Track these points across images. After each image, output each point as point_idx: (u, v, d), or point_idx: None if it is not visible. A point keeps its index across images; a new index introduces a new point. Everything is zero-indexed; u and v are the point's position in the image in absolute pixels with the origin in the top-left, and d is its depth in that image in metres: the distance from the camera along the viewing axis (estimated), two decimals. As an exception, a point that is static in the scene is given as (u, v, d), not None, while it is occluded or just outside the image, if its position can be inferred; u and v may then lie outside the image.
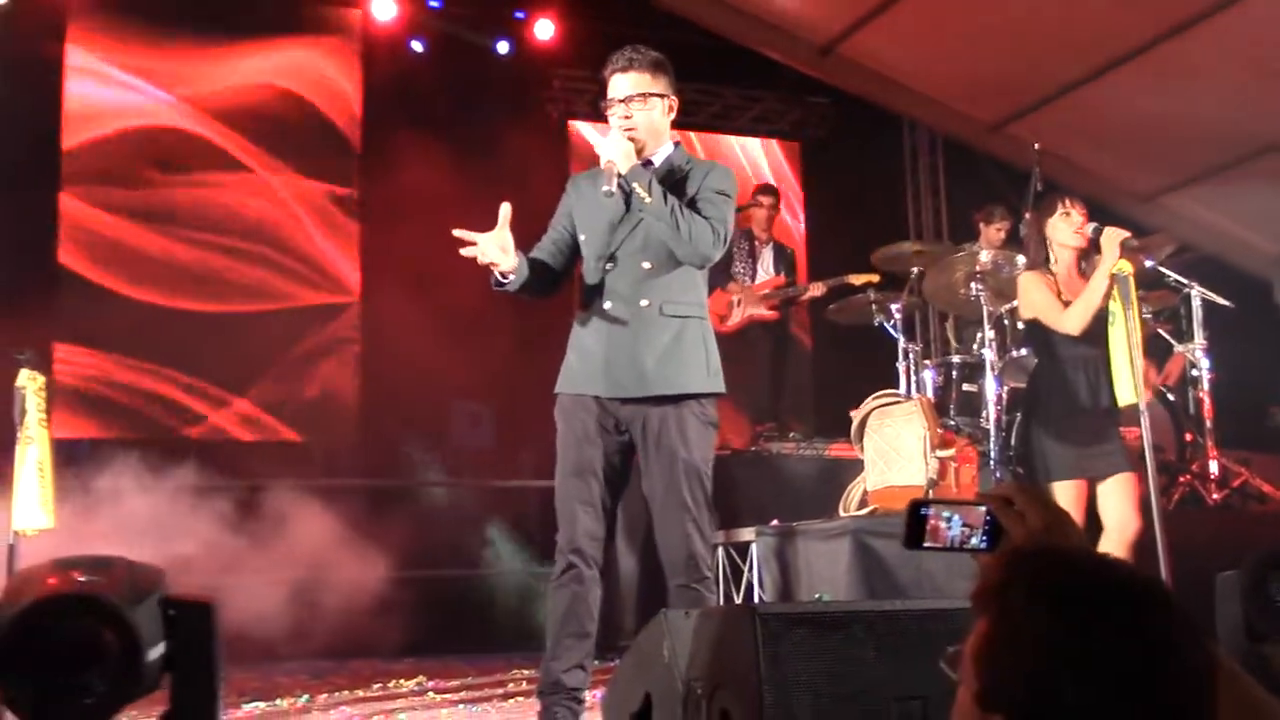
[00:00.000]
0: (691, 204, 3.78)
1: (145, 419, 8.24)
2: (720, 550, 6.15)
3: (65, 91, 8.47)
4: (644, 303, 3.78)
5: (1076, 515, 4.59)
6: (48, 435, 4.80)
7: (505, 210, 3.75)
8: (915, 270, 6.91)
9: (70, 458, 6.25)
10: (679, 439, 3.73)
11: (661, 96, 3.88)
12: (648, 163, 3.86)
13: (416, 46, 9.39)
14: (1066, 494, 4.69)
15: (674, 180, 3.84)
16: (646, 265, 3.79)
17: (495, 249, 3.72)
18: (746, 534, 6.14)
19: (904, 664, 2.79)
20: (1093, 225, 4.78)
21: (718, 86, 10.16)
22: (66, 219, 8.33)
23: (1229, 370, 6.34)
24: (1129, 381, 4.46)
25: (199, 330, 8.44)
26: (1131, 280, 4.52)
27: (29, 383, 4.81)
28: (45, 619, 1.63)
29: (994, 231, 7.73)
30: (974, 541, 1.71)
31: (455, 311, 7.78)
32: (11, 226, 7.68)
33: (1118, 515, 4.72)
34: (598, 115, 10.04)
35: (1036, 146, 5.81)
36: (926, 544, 1.72)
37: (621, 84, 3.87)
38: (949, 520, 1.72)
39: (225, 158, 8.79)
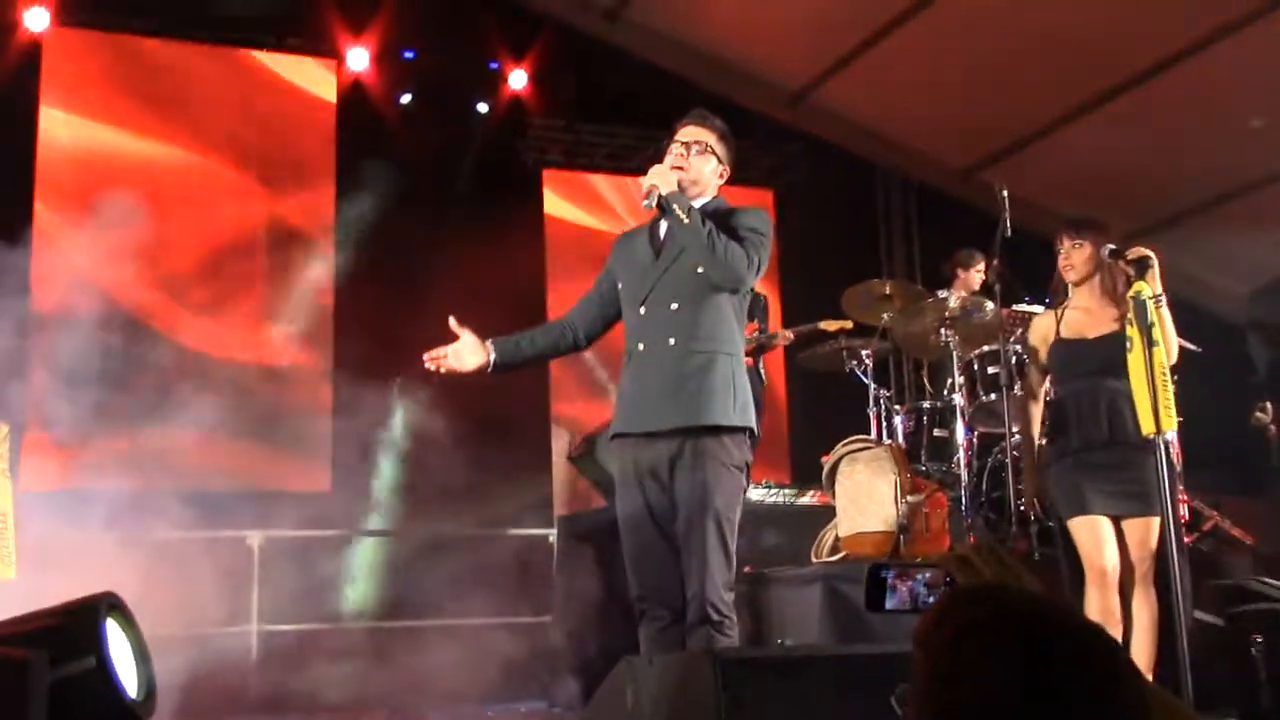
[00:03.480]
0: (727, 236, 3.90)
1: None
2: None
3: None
4: (671, 340, 3.87)
5: (1103, 548, 4.48)
6: (10, 485, 4.77)
7: (453, 324, 4.04)
8: (886, 316, 6.94)
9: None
10: (701, 482, 3.76)
11: (719, 159, 4.09)
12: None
13: (404, 99, 9.46)
14: (1085, 532, 4.53)
15: (711, 217, 3.95)
16: (674, 306, 3.89)
17: (464, 355, 4.01)
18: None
19: (867, 708, 2.78)
20: (1109, 247, 4.54)
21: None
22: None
23: (1197, 413, 6.36)
24: (1149, 411, 4.15)
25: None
26: (1150, 304, 4.17)
27: (-6, 432, 4.78)
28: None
29: (973, 274, 7.72)
30: (933, 601, 1.73)
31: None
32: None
33: (1132, 557, 4.50)
34: (571, 163, 10.20)
35: (1004, 192, 5.80)
36: (888, 606, 1.74)
37: (688, 131, 4.09)
38: (909, 582, 1.74)
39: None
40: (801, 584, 5.59)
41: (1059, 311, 4.81)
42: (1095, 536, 4.52)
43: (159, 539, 6.35)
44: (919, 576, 1.75)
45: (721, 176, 4.11)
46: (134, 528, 6.08)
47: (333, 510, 8.46)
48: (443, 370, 4.04)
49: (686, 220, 3.81)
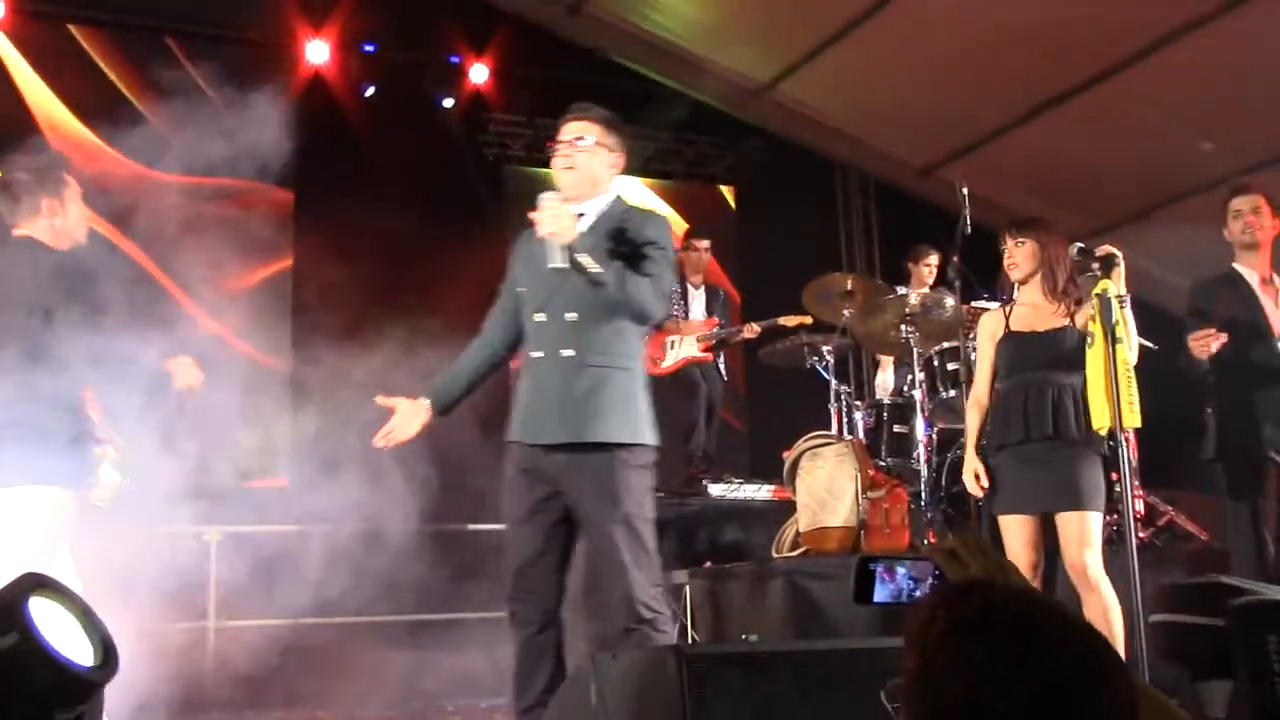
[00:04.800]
0: (630, 257, 3.79)
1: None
2: (654, 592, 6.12)
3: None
4: (567, 353, 3.80)
5: (1024, 550, 4.51)
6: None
7: (381, 401, 4.05)
8: (847, 313, 6.97)
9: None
10: (605, 487, 3.71)
11: (608, 150, 3.94)
12: (580, 215, 3.86)
13: (367, 93, 9.40)
14: (1010, 529, 4.57)
15: (610, 231, 3.85)
16: (572, 317, 3.81)
17: (405, 425, 4.00)
18: (679, 576, 6.12)
19: (832, 703, 2.79)
20: (1077, 246, 4.51)
21: (652, 131, 10.24)
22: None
23: (1151, 409, 6.42)
24: (1104, 407, 4.18)
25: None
26: (1115, 301, 4.17)
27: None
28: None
29: (923, 269, 7.82)
30: (920, 594, 1.73)
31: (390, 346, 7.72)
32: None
33: (1067, 556, 4.49)
34: (532, 159, 10.18)
35: (964, 189, 5.83)
36: (876, 598, 1.74)
37: (570, 128, 3.94)
38: (897, 574, 1.74)
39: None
40: (763, 579, 5.62)
41: (1006, 308, 4.84)
42: (1019, 536, 4.55)
43: (114, 533, 6.29)
44: (906, 569, 1.75)
45: (614, 167, 3.98)
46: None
47: (291, 505, 8.40)
48: (393, 445, 4.02)
49: (596, 271, 3.67)
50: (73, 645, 2.57)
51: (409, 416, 3.99)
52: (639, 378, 3.88)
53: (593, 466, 3.72)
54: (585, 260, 3.68)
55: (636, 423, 3.80)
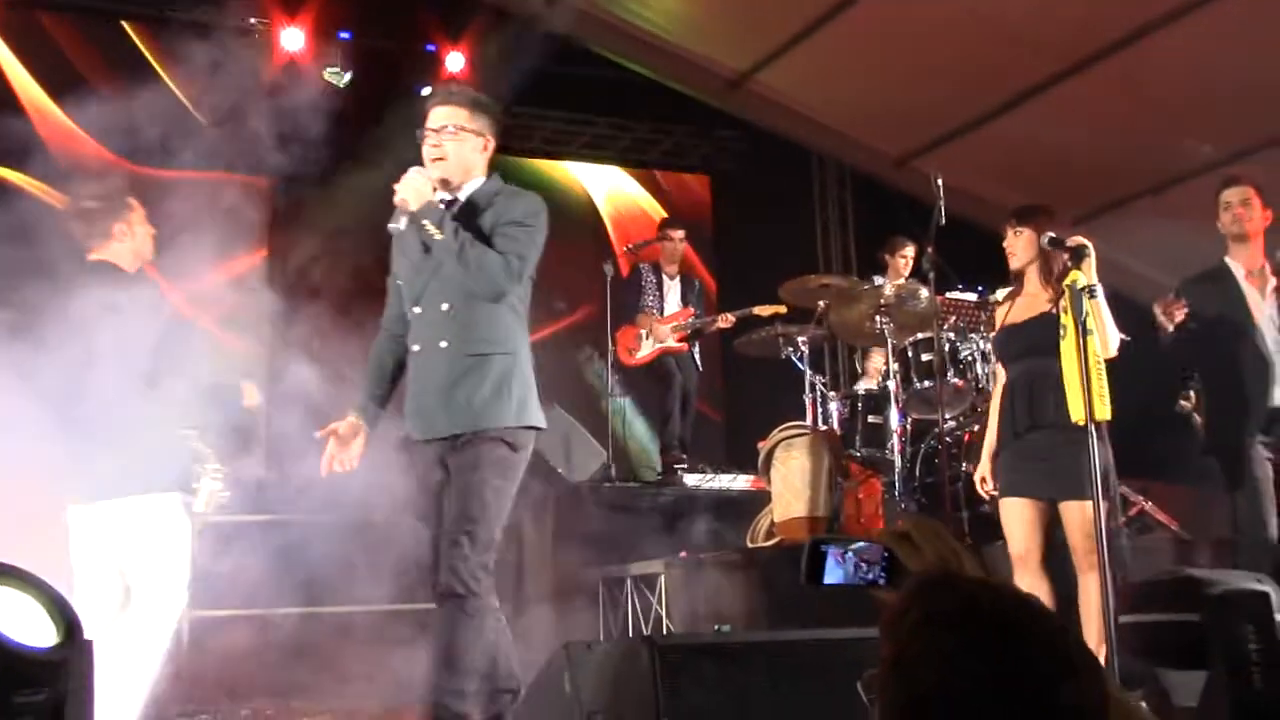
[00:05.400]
0: (490, 234, 3.79)
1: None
2: (629, 582, 6.15)
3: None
4: (443, 344, 3.80)
5: (1023, 533, 4.52)
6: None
7: (318, 435, 4.03)
8: (822, 303, 6.99)
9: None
10: (473, 463, 3.70)
11: (476, 134, 3.92)
12: (453, 200, 3.88)
13: (339, 77, 9.33)
14: (1010, 511, 4.58)
15: (479, 212, 3.86)
16: (445, 307, 3.82)
17: (347, 450, 3.97)
18: (655, 566, 6.13)
19: (804, 693, 2.82)
20: (1048, 235, 4.52)
21: (629, 120, 10.23)
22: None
23: (1125, 400, 6.46)
24: (1077, 399, 4.19)
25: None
26: (1084, 293, 4.19)
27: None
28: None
29: (898, 260, 7.86)
30: (871, 576, 1.74)
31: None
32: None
33: (1072, 540, 4.49)
34: (508, 148, 10.13)
35: (939, 180, 5.85)
36: (826, 580, 1.75)
37: (437, 115, 3.92)
38: (848, 556, 1.75)
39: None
40: (737, 570, 5.63)
41: (1010, 300, 4.86)
42: (1015, 520, 4.57)
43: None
44: (858, 552, 1.75)
45: (486, 149, 3.97)
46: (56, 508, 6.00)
47: (266, 494, 8.37)
48: (350, 467, 3.99)
49: (439, 236, 3.71)
50: (32, 628, 2.56)
51: (346, 441, 3.97)
52: (521, 361, 3.87)
53: (470, 454, 3.72)
54: (429, 226, 3.72)
55: (519, 405, 3.80)
